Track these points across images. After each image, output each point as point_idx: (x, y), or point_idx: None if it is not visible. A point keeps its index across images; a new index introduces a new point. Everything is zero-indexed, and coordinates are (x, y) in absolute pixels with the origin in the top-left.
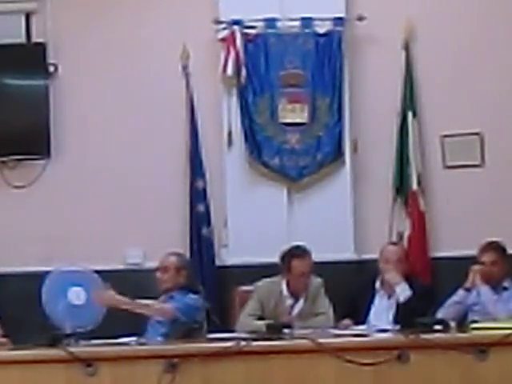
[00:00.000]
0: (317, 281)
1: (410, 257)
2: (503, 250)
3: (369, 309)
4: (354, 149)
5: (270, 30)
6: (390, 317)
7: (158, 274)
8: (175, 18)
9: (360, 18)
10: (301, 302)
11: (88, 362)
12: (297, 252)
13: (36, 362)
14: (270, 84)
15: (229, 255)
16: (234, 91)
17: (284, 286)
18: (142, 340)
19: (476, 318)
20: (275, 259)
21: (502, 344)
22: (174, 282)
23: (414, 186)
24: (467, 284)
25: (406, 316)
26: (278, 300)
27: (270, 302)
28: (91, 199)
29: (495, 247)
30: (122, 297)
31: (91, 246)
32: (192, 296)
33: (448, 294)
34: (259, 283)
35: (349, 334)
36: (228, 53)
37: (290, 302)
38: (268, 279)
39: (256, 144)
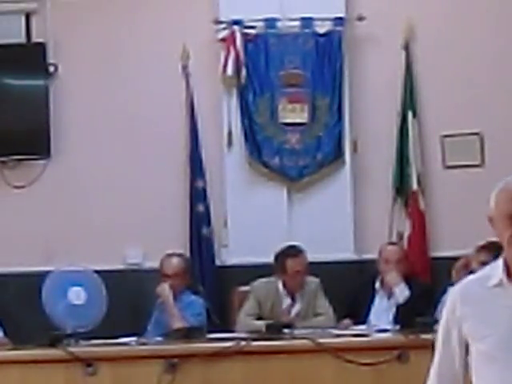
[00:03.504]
0: (314, 281)
1: (409, 257)
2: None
3: (369, 309)
4: (354, 149)
5: (270, 30)
6: (390, 317)
7: (169, 281)
8: (175, 18)
9: (360, 18)
10: (298, 304)
11: (88, 361)
12: (291, 251)
13: (36, 362)
14: (270, 84)
15: (229, 255)
16: (234, 91)
17: (280, 286)
18: (142, 340)
19: None
20: None
21: None
22: (183, 285)
23: (414, 186)
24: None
25: (405, 316)
26: (275, 299)
27: (268, 302)
28: (91, 199)
29: (486, 248)
30: (170, 295)
31: (91, 245)
32: (194, 298)
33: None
34: (255, 283)
35: (349, 334)
36: (228, 53)
37: (287, 302)
38: (264, 279)
39: (256, 144)
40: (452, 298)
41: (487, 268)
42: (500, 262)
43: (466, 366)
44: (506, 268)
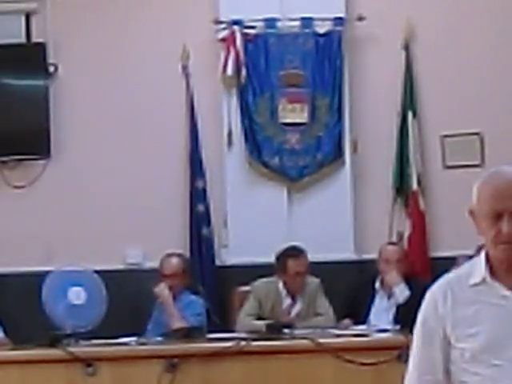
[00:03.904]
0: (314, 281)
1: (409, 257)
2: None
3: (369, 309)
4: (354, 149)
5: (269, 30)
6: (390, 317)
7: (168, 281)
8: (175, 18)
9: (360, 18)
10: (298, 304)
11: (88, 362)
12: (292, 252)
13: (36, 362)
14: (270, 84)
15: (229, 255)
16: (234, 91)
17: (281, 286)
18: (142, 340)
19: None
20: None
21: None
22: (182, 285)
23: (414, 186)
24: None
25: (405, 316)
26: (276, 300)
27: (268, 302)
28: (91, 199)
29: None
30: (168, 295)
31: (91, 245)
32: (194, 298)
33: None
34: (256, 283)
35: (349, 334)
36: (228, 53)
37: (287, 302)
38: (265, 279)
39: (256, 144)
40: (431, 298)
41: (464, 266)
42: (481, 259)
43: (448, 370)
44: (489, 265)
